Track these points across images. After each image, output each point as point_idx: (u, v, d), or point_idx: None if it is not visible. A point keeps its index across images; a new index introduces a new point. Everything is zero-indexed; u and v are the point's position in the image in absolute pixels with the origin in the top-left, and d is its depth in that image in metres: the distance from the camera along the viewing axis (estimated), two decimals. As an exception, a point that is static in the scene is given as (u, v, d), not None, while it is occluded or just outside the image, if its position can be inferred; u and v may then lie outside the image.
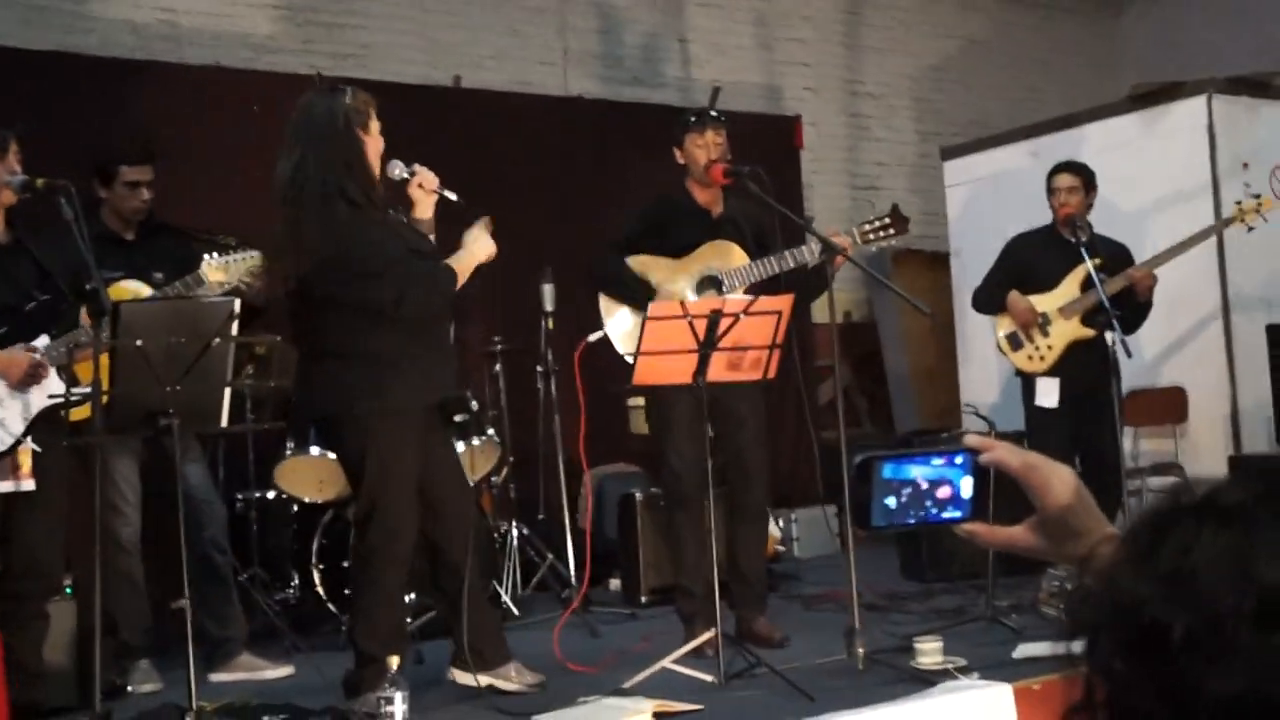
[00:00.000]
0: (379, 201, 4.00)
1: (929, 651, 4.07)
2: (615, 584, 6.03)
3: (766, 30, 8.49)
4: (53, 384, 4.03)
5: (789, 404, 6.80)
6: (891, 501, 1.48)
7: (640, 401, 6.08)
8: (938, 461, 1.48)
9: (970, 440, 1.45)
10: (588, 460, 5.06)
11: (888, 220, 4.66)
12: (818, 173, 8.51)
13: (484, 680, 4.13)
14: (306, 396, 4.15)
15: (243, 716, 3.46)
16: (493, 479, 5.77)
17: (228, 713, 3.48)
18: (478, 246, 4.12)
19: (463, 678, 4.18)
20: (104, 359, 3.67)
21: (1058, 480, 1.35)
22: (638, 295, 4.61)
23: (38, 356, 3.96)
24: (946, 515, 1.48)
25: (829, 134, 8.68)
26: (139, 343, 3.34)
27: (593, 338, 4.59)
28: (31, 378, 3.97)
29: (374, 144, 3.99)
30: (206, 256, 4.41)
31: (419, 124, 5.89)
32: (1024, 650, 4.15)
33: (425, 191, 4.07)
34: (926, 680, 3.89)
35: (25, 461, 3.97)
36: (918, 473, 1.48)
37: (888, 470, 1.48)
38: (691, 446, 4.47)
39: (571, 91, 7.59)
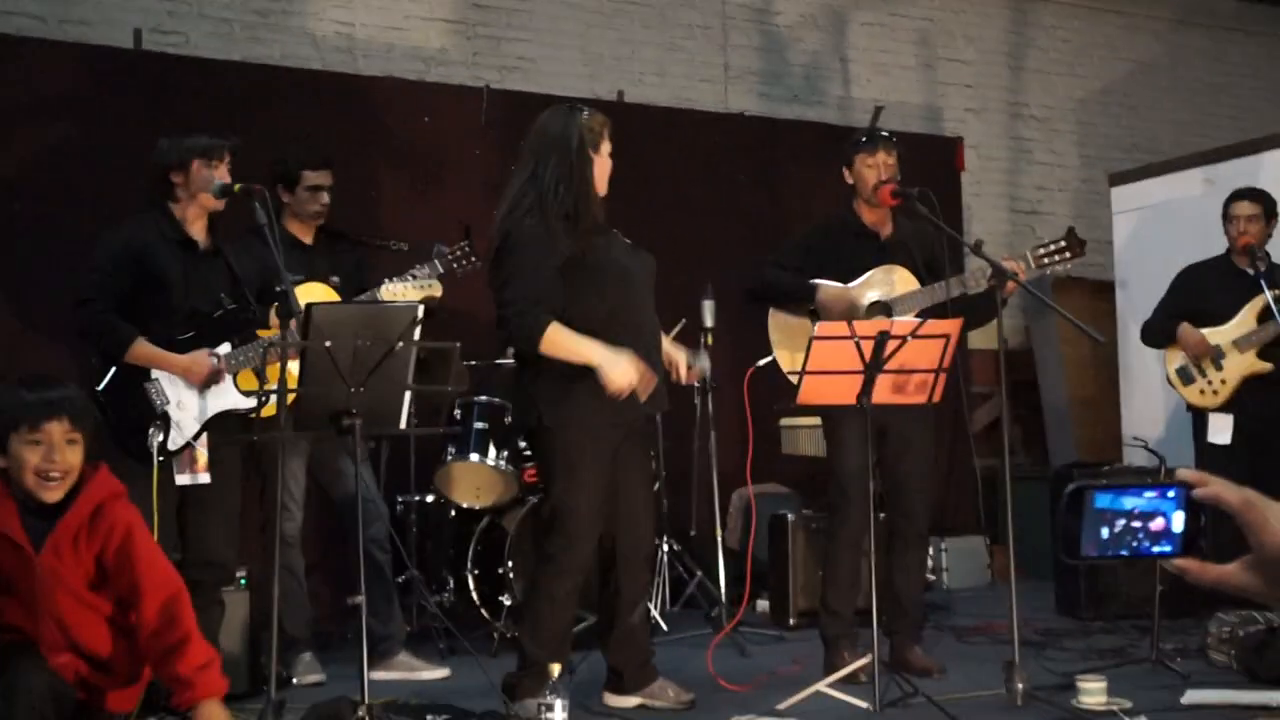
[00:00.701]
0: (601, 220, 4.07)
1: (1093, 691, 3.97)
2: (763, 604, 6.01)
3: (929, 50, 8.40)
4: (228, 390, 4.20)
5: (944, 430, 6.69)
6: (1104, 532, 1.46)
7: (795, 421, 6.06)
8: (1150, 494, 1.45)
9: (1184, 474, 1.42)
10: (744, 480, 5.05)
11: (1064, 244, 4.54)
12: (978, 196, 8.37)
13: (634, 701, 4.21)
14: (515, 406, 4.28)
15: (408, 714, 3.53)
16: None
17: (395, 710, 3.55)
18: (611, 366, 3.91)
19: (613, 700, 4.24)
20: (282, 361, 3.81)
21: (1276, 519, 1.31)
22: (799, 294, 4.59)
23: (217, 363, 4.14)
24: (1158, 549, 1.45)
25: (990, 157, 8.54)
26: (328, 344, 3.44)
27: (762, 363, 4.57)
28: (211, 381, 4.14)
29: (603, 164, 4.08)
30: (386, 282, 4.57)
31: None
32: (1193, 696, 4.02)
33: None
34: (1090, 720, 3.81)
35: (202, 456, 4.15)
36: (1131, 504, 1.45)
37: (1101, 500, 1.46)
38: (859, 466, 4.43)
39: (732, 108, 7.60)
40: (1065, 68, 8.87)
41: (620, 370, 3.90)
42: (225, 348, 4.21)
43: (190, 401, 4.13)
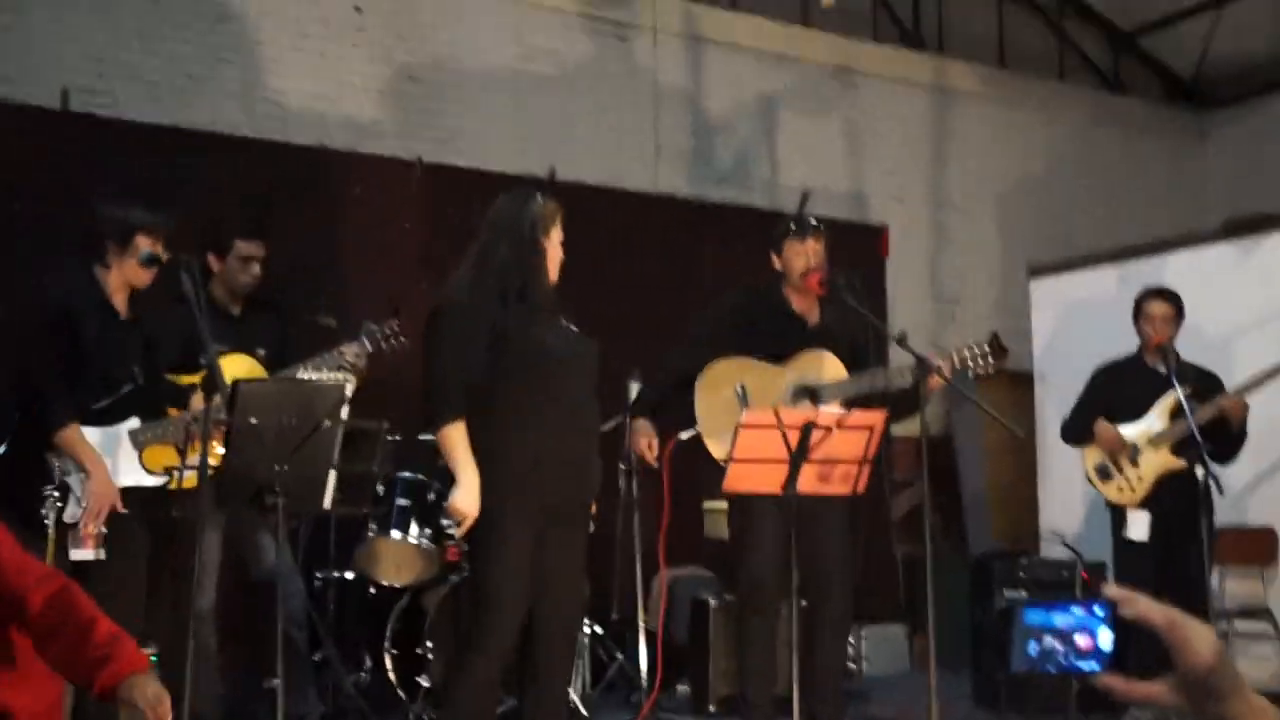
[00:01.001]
0: (550, 304, 4.08)
1: (1013, 787, 3.99)
2: (683, 689, 5.96)
3: (854, 139, 8.57)
4: (134, 466, 4.10)
5: (864, 517, 6.73)
6: (1032, 647, 1.48)
7: (718, 505, 6.06)
8: (1078, 610, 1.48)
9: (1111, 592, 1.44)
10: (665, 560, 5.02)
11: (988, 350, 4.62)
12: (900, 283, 8.51)
13: None
14: (446, 480, 4.24)
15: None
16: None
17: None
18: (463, 495, 3.92)
19: None
20: (204, 435, 3.73)
21: (1199, 639, 1.34)
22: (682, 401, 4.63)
23: (118, 505, 4.04)
24: (1085, 665, 1.47)
25: (914, 244, 8.70)
26: (253, 420, 3.38)
27: (684, 435, 4.58)
28: (98, 507, 4.01)
29: (554, 251, 4.09)
30: (301, 368, 4.53)
31: (515, 215, 5.96)
32: (1110, 793, 4.05)
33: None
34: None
35: (97, 532, 4.00)
36: (1060, 621, 1.48)
37: (1031, 617, 1.49)
38: (774, 552, 4.43)
39: (662, 188, 7.67)
40: (985, 159, 9.09)
41: (465, 502, 3.88)
42: (134, 421, 4.12)
43: (84, 481, 4.00)
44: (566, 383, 4.07)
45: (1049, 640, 1.50)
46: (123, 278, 4.17)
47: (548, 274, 4.07)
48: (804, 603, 4.65)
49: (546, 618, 4.14)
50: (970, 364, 4.62)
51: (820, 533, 4.63)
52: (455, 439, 3.91)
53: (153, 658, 4.34)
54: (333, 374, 4.51)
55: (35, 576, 2.73)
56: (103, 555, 4.00)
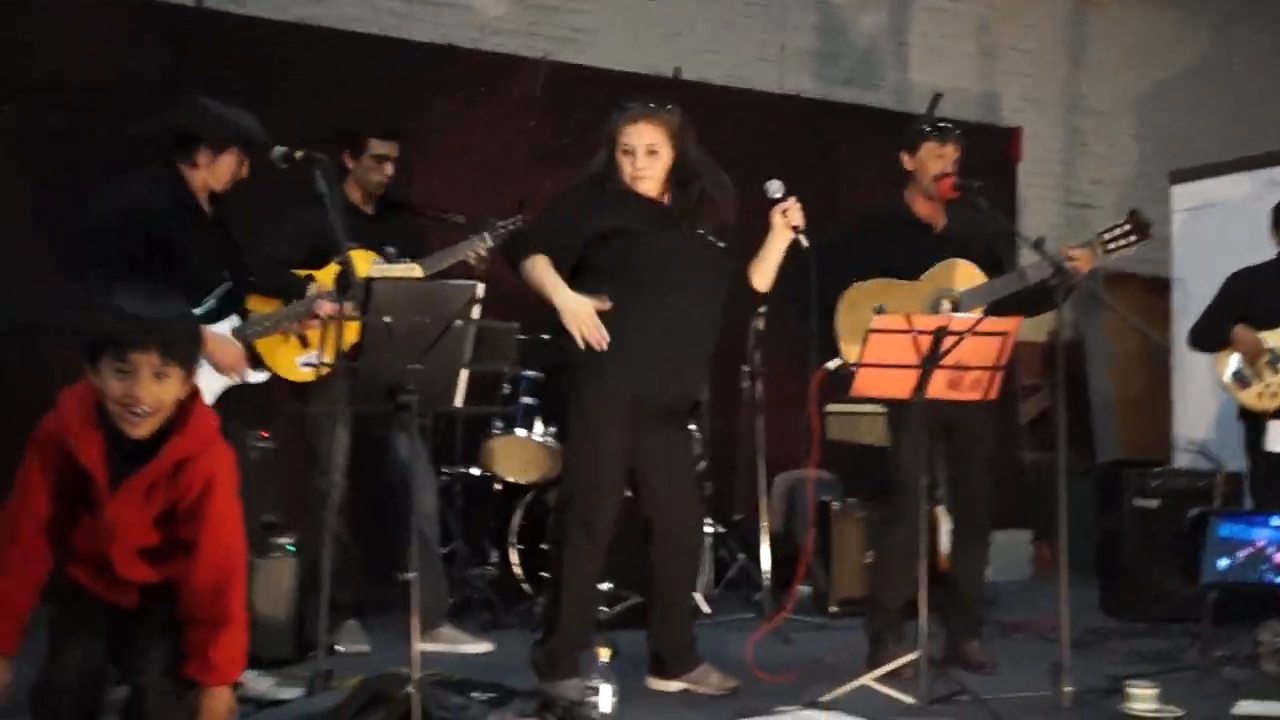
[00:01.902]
0: (656, 207, 4.17)
1: (1143, 698, 3.92)
2: (803, 590, 5.97)
3: (989, 37, 8.29)
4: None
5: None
6: (1224, 561, 1.44)
7: (852, 408, 5.99)
8: (1277, 523, 1.43)
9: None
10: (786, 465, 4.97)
11: (1129, 227, 4.43)
12: (1031, 187, 8.28)
13: (676, 686, 4.23)
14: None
15: (454, 690, 3.53)
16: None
17: (441, 685, 3.54)
18: (566, 311, 4.06)
19: (656, 684, 4.25)
20: (338, 332, 3.79)
21: None
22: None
23: (243, 352, 4.13)
24: None
25: (1047, 147, 8.44)
26: (387, 319, 3.42)
27: (831, 365, 4.52)
28: (232, 369, 4.11)
29: (622, 159, 4.17)
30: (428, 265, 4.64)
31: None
32: (1245, 707, 3.96)
33: (785, 224, 4.18)
34: (1139, 727, 3.77)
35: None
36: (1259, 535, 1.44)
37: (1225, 529, 1.44)
38: (920, 462, 4.37)
39: (788, 88, 7.53)
40: (1124, 62, 8.75)
41: (570, 304, 4.02)
42: (234, 320, 4.18)
43: (203, 376, 4.08)
44: (670, 283, 4.07)
45: (1244, 553, 1.46)
46: (210, 178, 4.12)
47: (628, 180, 4.09)
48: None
49: (660, 518, 4.18)
50: (1113, 246, 4.42)
51: (970, 443, 4.60)
52: (539, 266, 4.07)
53: (289, 547, 4.52)
54: (394, 271, 4.57)
55: (220, 545, 2.96)
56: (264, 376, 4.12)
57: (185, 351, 2.87)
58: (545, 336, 5.27)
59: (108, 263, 3.83)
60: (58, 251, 4.14)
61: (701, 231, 4.18)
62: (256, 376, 4.20)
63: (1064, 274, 4.25)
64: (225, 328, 4.16)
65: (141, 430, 2.86)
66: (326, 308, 4.32)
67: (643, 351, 4.05)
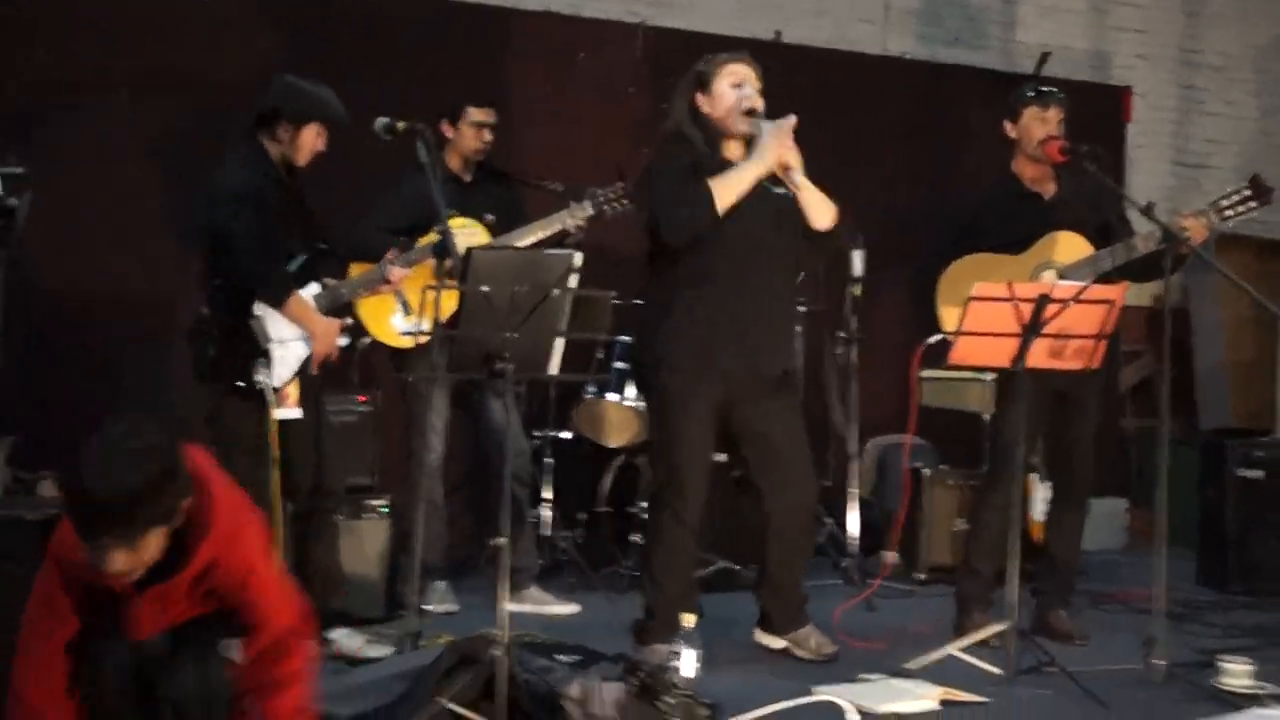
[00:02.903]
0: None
1: (1237, 674, 3.87)
2: (891, 556, 5.95)
3: (1099, -7, 8.07)
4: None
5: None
6: None
7: (948, 374, 5.93)
8: None
9: None
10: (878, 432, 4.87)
11: (1249, 192, 4.29)
12: (1142, 147, 8.06)
13: (780, 644, 4.31)
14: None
15: (540, 652, 3.60)
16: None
17: (528, 647, 3.62)
18: (766, 152, 4.02)
19: (763, 638, 4.35)
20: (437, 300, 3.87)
21: None
22: None
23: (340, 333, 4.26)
24: None
25: (1158, 107, 8.20)
26: (485, 288, 3.48)
27: (932, 340, 4.49)
28: (329, 352, 4.23)
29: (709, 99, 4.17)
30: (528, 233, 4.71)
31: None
32: (1343, 685, 3.89)
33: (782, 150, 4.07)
34: (1232, 704, 3.71)
35: (293, 392, 4.19)
36: None
37: None
38: (1024, 429, 4.31)
39: (891, 50, 7.42)
40: (1243, 12, 8.45)
41: (769, 150, 3.99)
42: (314, 288, 4.27)
43: (290, 341, 4.18)
44: (752, 249, 4.07)
45: None
46: (291, 151, 4.21)
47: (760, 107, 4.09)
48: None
49: (772, 491, 4.20)
50: (1230, 213, 4.29)
51: (1078, 412, 4.57)
52: (719, 184, 4.02)
53: (384, 509, 4.64)
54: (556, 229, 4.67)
55: (279, 612, 2.78)
56: (299, 413, 4.18)
57: (154, 513, 2.50)
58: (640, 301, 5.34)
59: (259, 243, 4.05)
60: (206, 252, 4.24)
61: (768, 185, 4.12)
62: (340, 342, 4.31)
63: (1174, 241, 4.14)
64: (307, 294, 4.27)
65: (129, 582, 2.60)
66: (397, 273, 4.44)
67: (727, 327, 4.06)
